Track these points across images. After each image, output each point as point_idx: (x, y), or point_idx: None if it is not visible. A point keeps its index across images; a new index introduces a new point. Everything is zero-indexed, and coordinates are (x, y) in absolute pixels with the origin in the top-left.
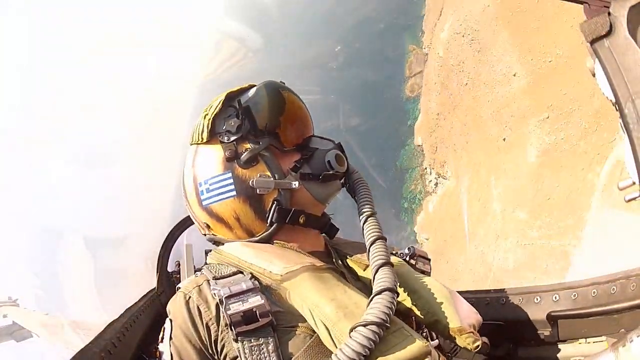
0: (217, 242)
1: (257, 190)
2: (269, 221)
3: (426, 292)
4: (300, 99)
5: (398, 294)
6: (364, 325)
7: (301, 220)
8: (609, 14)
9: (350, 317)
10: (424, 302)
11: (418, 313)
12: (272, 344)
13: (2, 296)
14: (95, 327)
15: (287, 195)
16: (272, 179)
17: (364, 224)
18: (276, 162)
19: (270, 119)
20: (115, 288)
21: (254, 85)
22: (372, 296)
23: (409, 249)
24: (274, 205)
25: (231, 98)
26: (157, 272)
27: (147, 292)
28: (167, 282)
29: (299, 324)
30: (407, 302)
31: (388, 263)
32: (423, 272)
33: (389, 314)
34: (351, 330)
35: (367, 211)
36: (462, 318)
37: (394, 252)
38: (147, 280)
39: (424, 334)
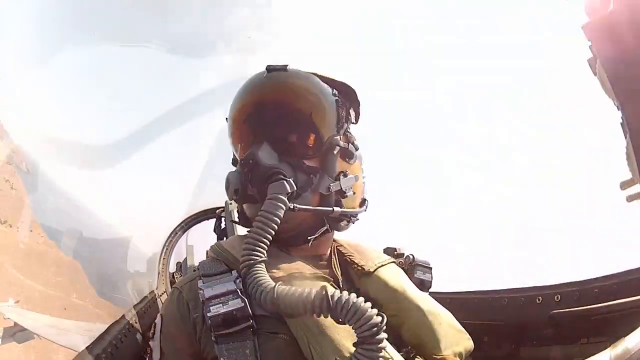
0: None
1: None
2: None
3: (416, 312)
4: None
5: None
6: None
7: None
8: (610, 13)
9: (332, 330)
10: (412, 321)
11: (405, 332)
12: (249, 348)
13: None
14: (97, 327)
15: None
16: None
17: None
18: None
19: (231, 121)
20: (116, 289)
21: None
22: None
23: (408, 256)
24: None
25: None
26: (158, 274)
27: (148, 293)
28: (169, 283)
29: (282, 331)
30: (397, 319)
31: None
32: (423, 281)
33: None
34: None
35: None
36: (447, 344)
37: (395, 260)
38: (148, 282)
39: (413, 354)
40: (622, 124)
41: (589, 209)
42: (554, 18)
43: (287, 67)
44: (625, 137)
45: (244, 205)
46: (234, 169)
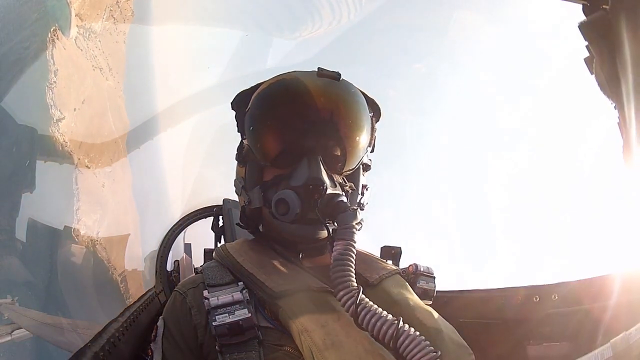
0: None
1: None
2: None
3: (418, 327)
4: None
5: None
6: None
7: (257, 233)
8: (608, 13)
9: (338, 346)
10: None
11: None
12: (255, 359)
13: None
14: (95, 326)
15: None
16: (241, 184)
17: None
18: (255, 171)
19: (253, 127)
20: (114, 287)
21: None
22: None
23: (411, 265)
24: (241, 208)
25: (235, 100)
26: (156, 272)
27: (146, 292)
28: (166, 281)
29: (287, 344)
30: None
31: None
32: (426, 290)
33: None
34: None
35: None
36: None
37: (399, 269)
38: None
39: None
40: (619, 123)
41: (588, 208)
42: (552, 17)
43: (340, 77)
44: (622, 137)
45: (280, 223)
46: (233, 168)
